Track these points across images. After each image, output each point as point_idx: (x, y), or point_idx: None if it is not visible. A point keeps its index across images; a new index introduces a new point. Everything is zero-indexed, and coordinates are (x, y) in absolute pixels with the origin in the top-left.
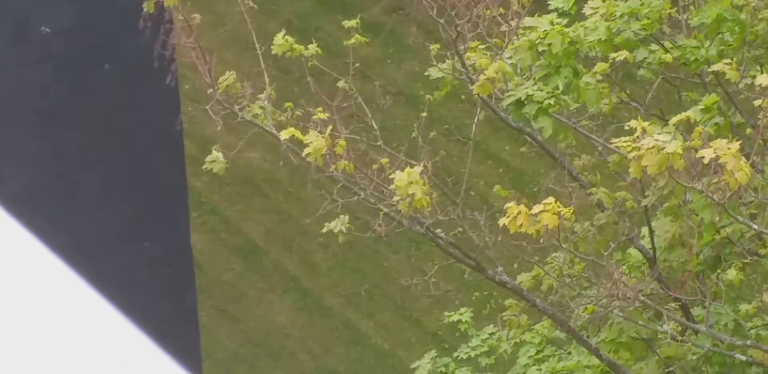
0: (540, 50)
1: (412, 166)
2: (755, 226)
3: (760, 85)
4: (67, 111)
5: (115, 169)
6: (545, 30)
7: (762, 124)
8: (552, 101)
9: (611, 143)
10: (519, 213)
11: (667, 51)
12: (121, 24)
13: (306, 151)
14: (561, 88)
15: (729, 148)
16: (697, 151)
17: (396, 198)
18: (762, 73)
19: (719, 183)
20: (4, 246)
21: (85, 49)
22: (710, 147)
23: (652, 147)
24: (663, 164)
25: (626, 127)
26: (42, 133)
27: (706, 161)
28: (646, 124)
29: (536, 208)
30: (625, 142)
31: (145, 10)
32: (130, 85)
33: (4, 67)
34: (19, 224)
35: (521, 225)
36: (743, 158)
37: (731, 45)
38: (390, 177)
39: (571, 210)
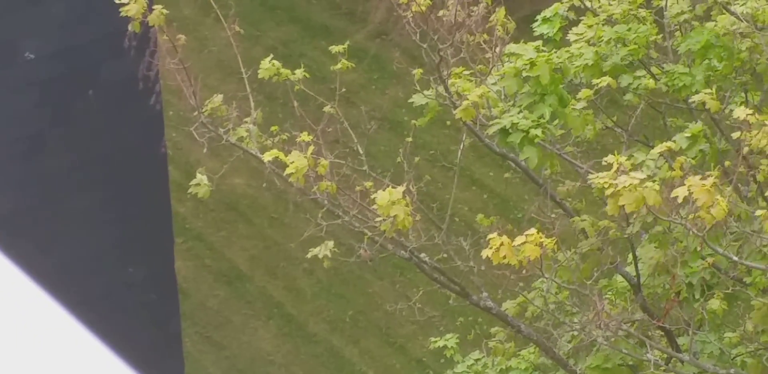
0: (524, 76)
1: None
2: (735, 258)
3: (737, 118)
4: (51, 136)
5: (99, 195)
6: (531, 57)
7: (742, 153)
8: (538, 131)
9: (592, 174)
10: (501, 244)
11: (654, 77)
12: (105, 50)
13: (288, 170)
14: (547, 116)
15: (703, 185)
16: (674, 184)
17: (378, 219)
18: (747, 99)
19: (696, 217)
20: None
21: (70, 75)
22: (684, 184)
23: (629, 185)
24: (640, 203)
25: (603, 163)
26: (25, 159)
27: (680, 200)
28: (623, 158)
29: (519, 239)
30: (602, 179)
31: (130, 30)
32: (114, 110)
33: None
34: None
35: (504, 256)
36: (723, 189)
37: (718, 71)
38: (373, 197)
39: (554, 241)
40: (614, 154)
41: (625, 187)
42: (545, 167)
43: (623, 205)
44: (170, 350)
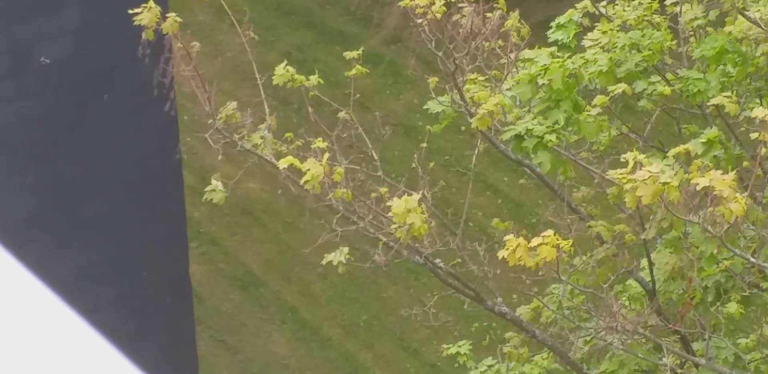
0: (540, 84)
1: (410, 195)
2: (753, 259)
3: (756, 117)
4: (67, 141)
5: (114, 199)
6: (545, 64)
7: (761, 156)
8: (553, 137)
9: (608, 175)
10: (518, 245)
11: (668, 83)
12: (120, 55)
13: (304, 178)
14: (562, 122)
15: (724, 179)
16: (692, 186)
17: (394, 226)
18: (761, 105)
19: (715, 215)
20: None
21: (85, 80)
22: (705, 177)
23: (648, 178)
24: (657, 194)
25: (622, 160)
26: (41, 163)
27: (699, 188)
28: (641, 156)
29: (535, 241)
30: (620, 173)
31: (144, 37)
32: (129, 115)
33: (4, 97)
34: (14, 255)
35: (520, 257)
36: (742, 190)
37: (732, 77)
38: (388, 205)
39: (571, 243)
40: (633, 152)
41: (643, 179)
42: (559, 173)
43: (641, 198)
44: (184, 354)
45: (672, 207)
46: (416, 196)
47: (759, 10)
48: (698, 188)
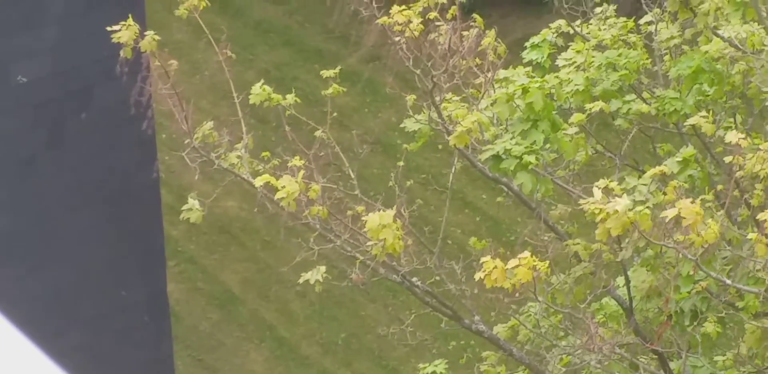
0: (517, 104)
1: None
2: (728, 281)
3: (729, 142)
4: (44, 159)
5: (92, 218)
6: (523, 83)
7: (735, 177)
8: (532, 158)
9: (582, 199)
10: (494, 268)
11: (645, 101)
12: (98, 73)
13: (278, 194)
14: (540, 143)
15: (692, 207)
16: (667, 208)
17: (369, 242)
18: (736, 123)
19: (687, 241)
20: None
21: (63, 98)
22: (674, 206)
23: (614, 212)
24: (625, 227)
25: (594, 187)
26: (18, 181)
27: (668, 219)
28: (614, 183)
29: (511, 263)
30: (591, 204)
31: (122, 56)
32: (107, 133)
33: None
34: None
35: (496, 280)
36: (715, 213)
37: (708, 95)
38: (363, 220)
39: (547, 264)
40: (605, 179)
41: (611, 212)
42: (537, 191)
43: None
44: (162, 373)
45: (645, 232)
46: (391, 212)
47: (733, 29)
48: (667, 219)
